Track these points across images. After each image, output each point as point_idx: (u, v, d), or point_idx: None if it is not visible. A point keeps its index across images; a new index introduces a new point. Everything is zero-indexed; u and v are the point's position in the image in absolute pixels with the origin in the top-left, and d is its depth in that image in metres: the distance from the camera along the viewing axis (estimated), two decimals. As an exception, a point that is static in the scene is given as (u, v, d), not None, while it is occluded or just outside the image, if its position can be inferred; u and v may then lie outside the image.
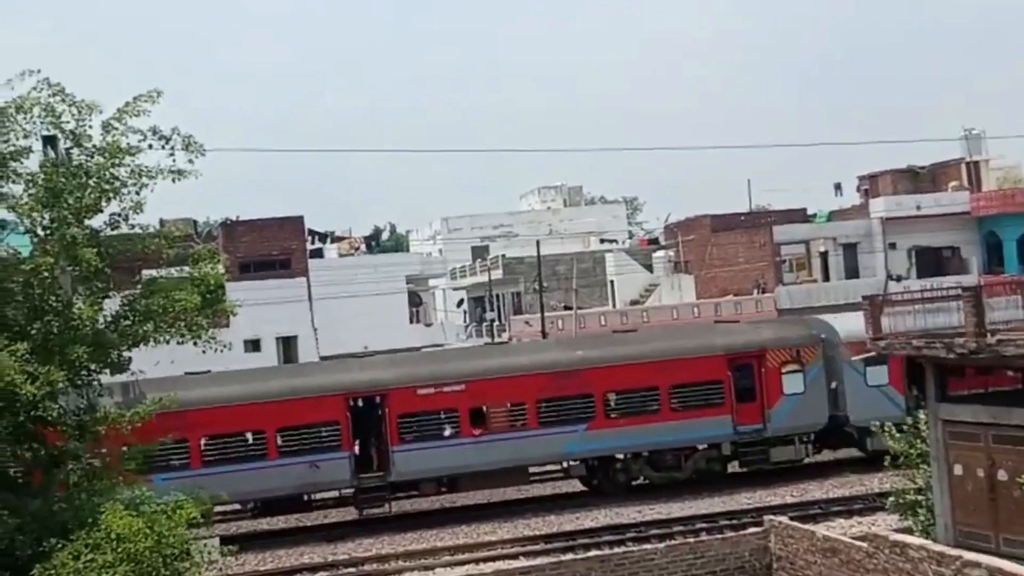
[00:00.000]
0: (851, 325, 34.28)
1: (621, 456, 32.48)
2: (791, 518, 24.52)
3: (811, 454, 33.73)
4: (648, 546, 25.02)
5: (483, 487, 32.58)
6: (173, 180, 17.48)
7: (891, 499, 23.81)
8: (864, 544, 20.34)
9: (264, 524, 32.19)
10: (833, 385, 33.13)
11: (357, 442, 30.81)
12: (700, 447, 32.82)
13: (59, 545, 15.76)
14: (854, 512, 28.30)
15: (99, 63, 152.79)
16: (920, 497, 22.58)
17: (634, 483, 32.80)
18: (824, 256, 56.22)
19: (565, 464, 33.41)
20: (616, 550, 25.11)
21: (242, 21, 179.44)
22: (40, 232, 17.33)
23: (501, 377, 31.37)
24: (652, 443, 32.15)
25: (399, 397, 30.50)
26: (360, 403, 30.91)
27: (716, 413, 32.21)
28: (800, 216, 60.95)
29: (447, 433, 30.91)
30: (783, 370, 32.81)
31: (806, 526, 23.22)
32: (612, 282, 65.94)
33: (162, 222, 47.75)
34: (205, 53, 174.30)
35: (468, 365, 32.02)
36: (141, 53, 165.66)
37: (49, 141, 18.32)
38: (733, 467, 33.78)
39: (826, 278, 55.95)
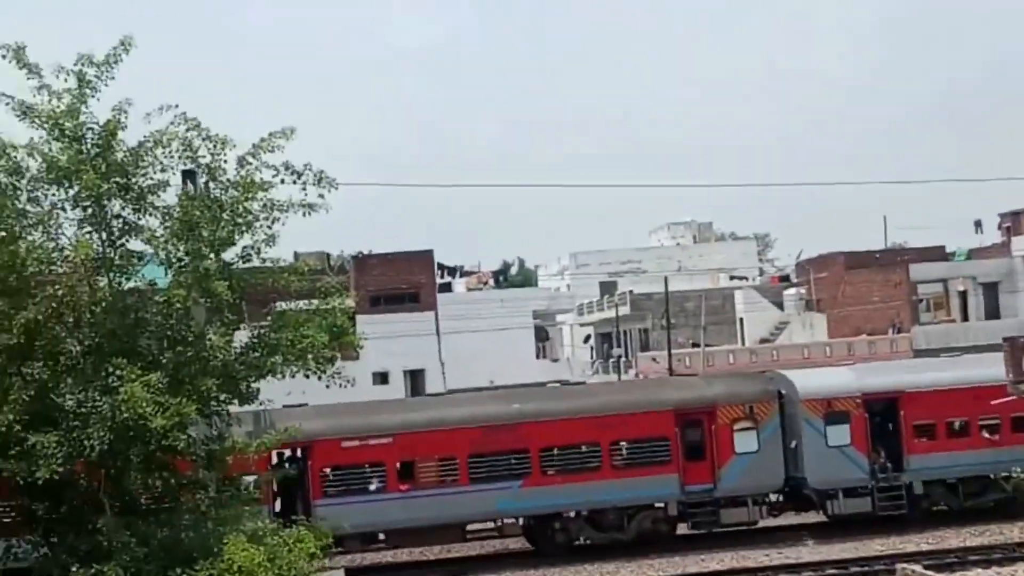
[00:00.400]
0: (815, 380, 32.62)
1: (561, 515, 30.70)
2: (925, 566, 23.75)
3: (764, 516, 31.74)
4: (776, 591, 24.42)
5: (413, 544, 31.32)
6: (304, 214, 17.76)
7: (1033, 550, 22.86)
8: (1004, 597, 19.52)
9: (389, 556, 32.26)
10: (793, 444, 31.29)
11: (279, 498, 29.31)
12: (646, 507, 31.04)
13: (183, 574, 16.00)
14: (992, 562, 27.16)
15: (238, 96, 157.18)
16: (1064, 549, 21.63)
17: (575, 544, 30.94)
18: (963, 295, 54.61)
19: (499, 522, 32.14)
20: (743, 594, 24.55)
21: (380, 54, 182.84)
22: (175, 263, 17.73)
23: (431, 430, 29.93)
24: (593, 502, 30.48)
25: (323, 450, 29.12)
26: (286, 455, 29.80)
27: (662, 471, 30.49)
28: (938, 254, 59.41)
29: (373, 487, 29.55)
30: (735, 427, 30.93)
31: (940, 575, 22.41)
32: (741, 320, 65.02)
33: (296, 255, 48.76)
34: (342, 85, 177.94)
35: (397, 418, 30.74)
36: (281, 86, 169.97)
37: (188, 175, 18.78)
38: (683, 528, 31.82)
39: (965, 318, 54.30)
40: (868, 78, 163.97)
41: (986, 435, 31.78)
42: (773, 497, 31.93)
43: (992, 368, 32.43)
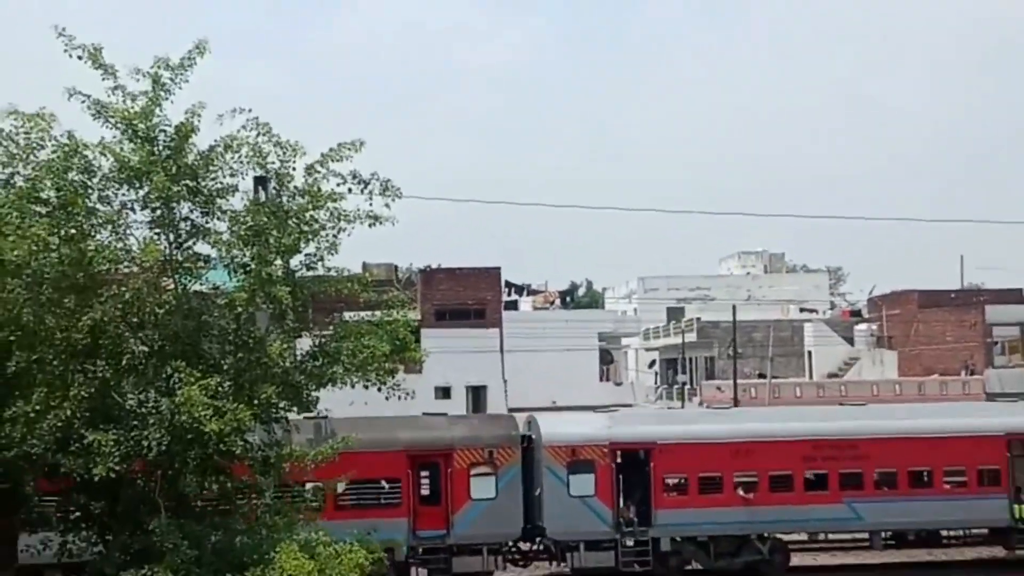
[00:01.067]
0: (562, 426, 31.21)
1: None
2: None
3: (501, 566, 30.48)
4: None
5: None
6: (370, 225, 17.66)
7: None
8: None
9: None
10: (537, 492, 30.20)
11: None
12: None
13: (235, 580, 15.96)
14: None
15: (310, 109, 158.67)
16: None
17: None
18: (1040, 340, 53.44)
19: None
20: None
21: (454, 72, 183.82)
22: (239, 269, 17.70)
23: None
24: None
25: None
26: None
27: (392, 515, 28.83)
28: (1016, 297, 58.22)
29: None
30: (472, 472, 29.71)
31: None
32: (810, 353, 64.11)
33: (364, 266, 48.88)
34: (417, 103, 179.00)
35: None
36: (358, 99, 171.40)
37: (260, 182, 18.78)
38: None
39: (1040, 363, 53.12)
40: (952, 114, 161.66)
41: (741, 492, 30.57)
42: (525, 546, 30.89)
43: (751, 423, 32.27)
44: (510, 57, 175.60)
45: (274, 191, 18.26)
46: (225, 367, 17.14)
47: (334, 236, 17.74)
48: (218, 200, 17.61)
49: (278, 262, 17.56)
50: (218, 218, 17.74)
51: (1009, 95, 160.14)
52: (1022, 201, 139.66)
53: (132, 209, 17.63)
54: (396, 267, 62.64)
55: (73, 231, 17.01)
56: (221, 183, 17.57)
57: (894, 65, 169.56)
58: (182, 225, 17.78)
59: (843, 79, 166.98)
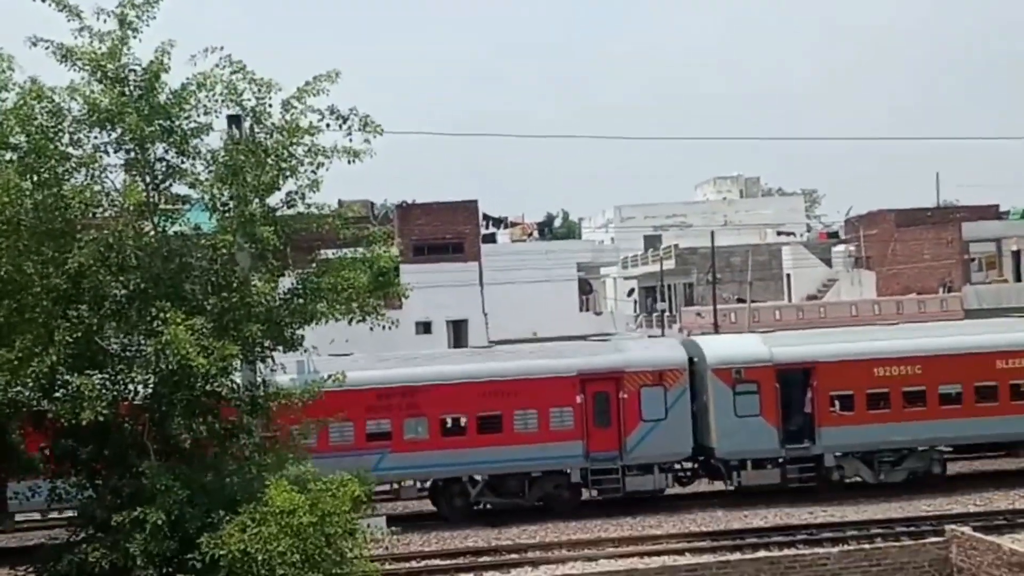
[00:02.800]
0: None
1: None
2: (974, 528, 23.32)
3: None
4: (820, 550, 24.18)
5: None
6: (349, 161, 17.48)
7: (1085, 514, 22.43)
8: (1055, 561, 19.15)
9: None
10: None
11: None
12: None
13: (227, 517, 15.98)
14: (1041, 525, 26.75)
15: (283, 45, 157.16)
16: (1118, 514, 21.19)
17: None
18: (1017, 255, 53.69)
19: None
20: (786, 552, 24.35)
21: (430, 10, 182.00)
22: (219, 208, 17.55)
23: None
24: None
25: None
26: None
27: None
28: (992, 213, 58.52)
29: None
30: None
31: (991, 538, 22.02)
32: (788, 276, 64.37)
33: (340, 203, 48.70)
34: (391, 38, 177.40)
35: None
36: (327, 35, 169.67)
37: (234, 120, 18.56)
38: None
39: (1018, 279, 53.43)
40: (927, 30, 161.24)
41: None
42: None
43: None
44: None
45: (248, 129, 18.04)
46: (208, 307, 17.06)
47: (313, 172, 17.58)
48: (193, 139, 17.40)
49: (257, 201, 17.40)
50: (194, 158, 17.54)
51: (984, 13, 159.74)
52: (996, 118, 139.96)
53: (106, 152, 17.43)
54: (372, 203, 62.40)
55: (46, 175, 16.82)
56: (196, 122, 17.35)
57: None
58: (158, 166, 17.60)
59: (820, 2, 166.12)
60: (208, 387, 16.67)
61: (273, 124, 17.69)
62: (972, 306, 50.08)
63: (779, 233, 72.51)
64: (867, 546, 24.13)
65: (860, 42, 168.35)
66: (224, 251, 17.48)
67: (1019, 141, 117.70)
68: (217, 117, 17.62)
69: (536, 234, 69.67)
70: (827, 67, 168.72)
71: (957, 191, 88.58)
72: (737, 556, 24.39)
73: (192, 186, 17.60)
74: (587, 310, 58.02)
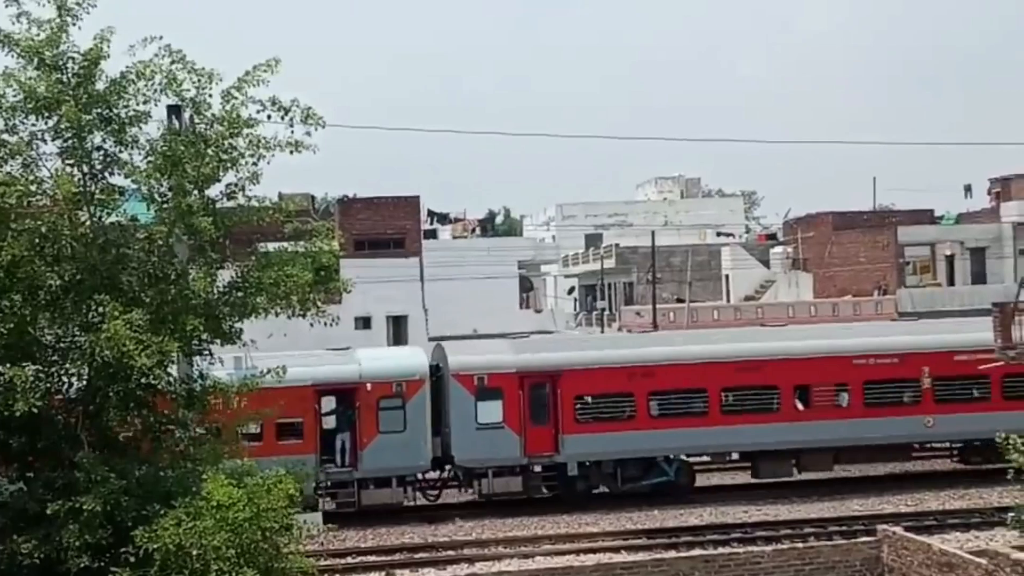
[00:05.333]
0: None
1: None
2: (905, 529, 23.66)
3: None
4: (754, 548, 24.45)
5: None
6: (291, 152, 17.31)
7: (1012, 515, 22.84)
8: (983, 561, 19.49)
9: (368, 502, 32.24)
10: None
11: None
12: None
13: (161, 511, 15.81)
14: (971, 526, 27.24)
15: (224, 37, 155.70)
16: (1044, 515, 21.60)
17: None
18: (950, 260, 54.58)
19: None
20: (721, 550, 24.59)
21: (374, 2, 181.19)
22: (157, 199, 17.34)
23: None
24: None
25: None
26: None
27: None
28: (927, 217, 59.44)
29: None
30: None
31: (921, 538, 22.36)
32: (727, 276, 64.93)
33: (281, 195, 48.23)
34: (336, 30, 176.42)
35: None
36: (269, 29, 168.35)
37: (174, 110, 18.33)
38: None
39: (951, 282, 54.30)
40: (866, 39, 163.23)
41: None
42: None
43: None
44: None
45: (188, 119, 17.84)
46: (146, 300, 16.84)
47: (254, 164, 17.39)
48: (132, 128, 17.15)
49: (196, 192, 17.20)
50: (132, 147, 17.30)
51: (921, 19, 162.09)
52: (932, 124, 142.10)
53: (43, 140, 17.14)
54: (313, 197, 61.97)
55: (-22, 163, 16.51)
56: (135, 111, 17.11)
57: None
58: (95, 155, 17.32)
59: (759, 4, 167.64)
60: (144, 380, 16.47)
61: (213, 115, 17.49)
62: (906, 309, 50.80)
63: (719, 234, 73.12)
64: (800, 545, 24.41)
65: (804, 47, 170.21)
66: (161, 243, 17.27)
67: (953, 147, 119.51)
68: (156, 106, 17.40)
69: (478, 231, 69.61)
70: (770, 70, 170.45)
71: (893, 195, 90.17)
72: (672, 554, 24.57)
73: (130, 176, 17.34)
74: (528, 308, 58.09)
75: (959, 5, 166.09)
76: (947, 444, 34.33)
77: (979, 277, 53.99)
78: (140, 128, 17.22)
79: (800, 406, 31.88)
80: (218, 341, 17.83)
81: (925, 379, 31.79)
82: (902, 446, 33.01)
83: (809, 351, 31.90)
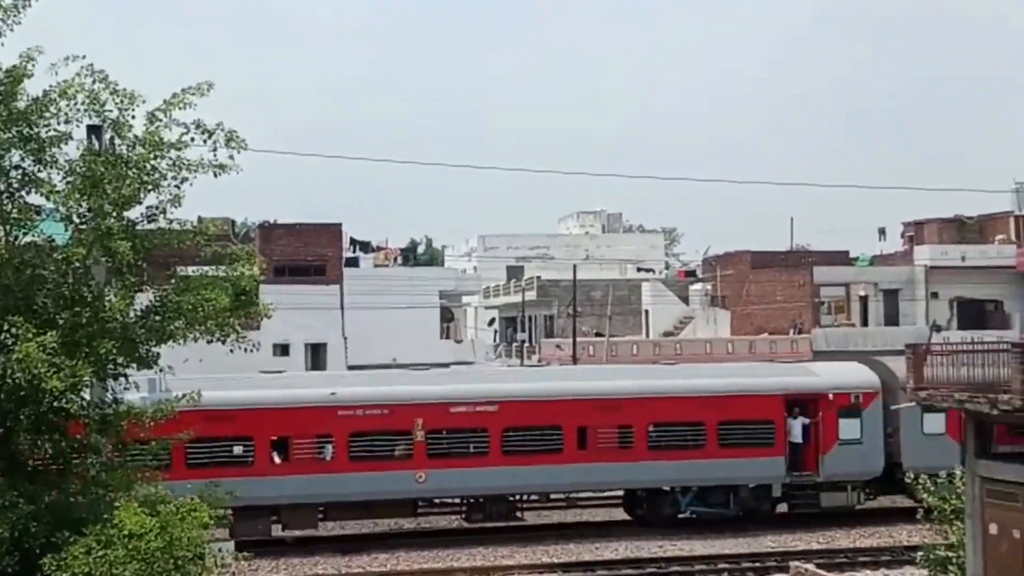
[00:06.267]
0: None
1: None
2: (817, 566, 23.95)
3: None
4: (669, 583, 24.54)
5: None
6: (215, 175, 17.10)
7: (921, 553, 23.22)
8: (892, 599, 19.77)
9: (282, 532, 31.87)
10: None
11: None
12: None
13: (71, 538, 15.45)
14: (881, 564, 27.70)
15: (139, 56, 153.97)
16: (951, 554, 21.97)
17: None
18: (864, 300, 55.56)
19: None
20: (636, 584, 24.63)
21: (295, 30, 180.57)
22: (76, 220, 17.02)
23: None
24: None
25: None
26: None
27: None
28: (842, 259, 60.43)
29: None
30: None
31: (832, 575, 22.64)
32: (647, 312, 65.41)
33: (200, 219, 47.69)
34: (259, 60, 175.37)
35: None
36: (190, 52, 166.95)
37: (94, 130, 18.05)
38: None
39: (865, 323, 55.27)
40: (787, 83, 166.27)
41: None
42: None
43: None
44: (356, 15, 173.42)
45: (109, 140, 17.57)
46: (60, 322, 16.49)
47: (176, 187, 17.17)
48: (52, 148, 16.84)
49: (116, 214, 16.91)
50: (52, 167, 16.98)
51: (843, 66, 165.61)
52: (848, 168, 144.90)
53: (-41, 157, 16.76)
54: (233, 221, 61.34)
55: None
56: (55, 131, 16.81)
57: (739, 31, 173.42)
58: (13, 174, 16.98)
59: (692, 44, 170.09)
60: (56, 404, 16.12)
61: (136, 136, 17.24)
62: (820, 347, 51.56)
63: (639, 269, 73.68)
64: (714, 581, 24.57)
65: (726, 87, 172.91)
66: (78, 264, 16.95)
67: (869, 191, 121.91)
68: (78, 126, 17.12)
69: (399, 260, 69.39)
70: (692, 109, 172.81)
71: (809, 236, 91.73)
72: (588, 587, 24.60)
73: (48, 196, 17.02)
74: (448, 338, 57.98)
75: (879, 57, 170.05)
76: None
77: (892, 319, 55.03)
78: (60, 148, 16.94)
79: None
80: (134, 365, 17.51)
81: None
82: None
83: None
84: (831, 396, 32.40)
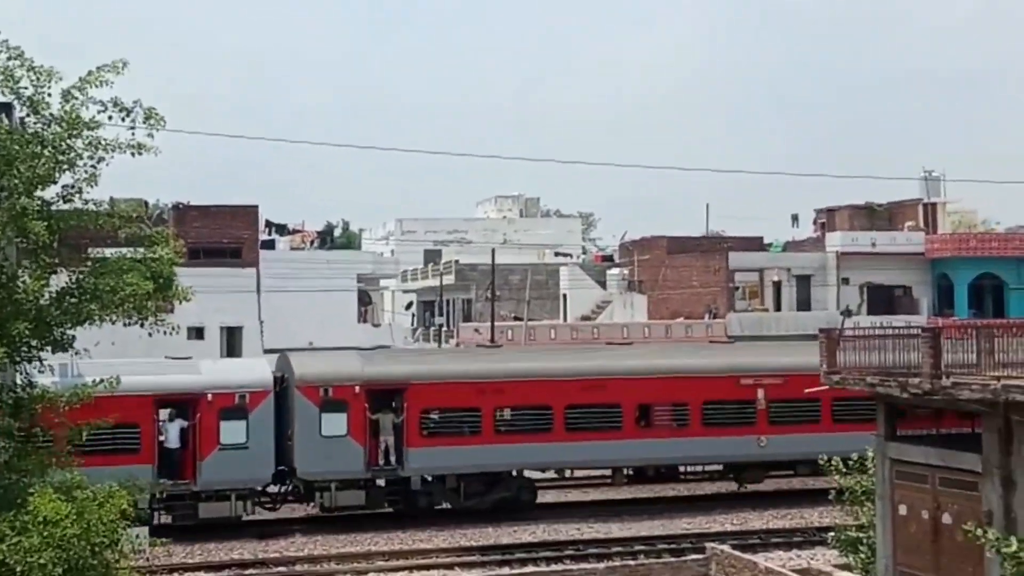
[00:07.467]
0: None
1: None
2: (732, 547, 24.31)
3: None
4: (587, 565, 24.76)
5: None
6: (133, 154, 16.82)
7: (832, 534, 23.68)
8: (806, 579, 20.17)
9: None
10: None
11: None
12: None
13: (-18, 524, 15.15)
14: (793, 544, 28.22)
15: (62, 31, 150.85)
16: (862, 534, 22.46)
17: None
18: (777, 286, 56.37)
19: None
20: (554, 567, 24.83)
21: (217, 4, 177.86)
22: (-13, 200, 16.64)
23: None
24: None
25: None
26: None
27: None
28: (756, 244, 61.21)
29: None
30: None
31: (747, 556, 23.02)
32: (565, 296, 65.71)
33: (113, 201, 46.90)
34: (180, 35, 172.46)
35: None
36: (106, 27, 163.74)
37: (3, 108, 17.67)
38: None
39: (778, 308, 56.11)
40: (703, 66, 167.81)
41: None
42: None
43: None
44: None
45: (21, 119, 17.19)
46: (-29, 304, 16.14)
47: (93, 166, 16.85)
48: (-37, 126, 16.44)
49: (29, 194, 16.55)
50: (-38, 145, 16.56)
51: (758, 49, 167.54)
52: (762, 153, 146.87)
53: None
54: (147, 203, 60.24)
55: None
56: (-32, 107, 16.42)
57: (653, 18, 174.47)
58: (-79, 151, 16.54)
59: (596, 31, 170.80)
60: (-33, 387, 15.79)
61: (51, 114, 16.89)
62: (735, 332, 52.26)
63: (557, 254, 73.95)
64: (631, 562, 24.91)
65: (643, 71, 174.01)
66: (-10, 244, 16.58)
67: (782, 177, 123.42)
68: (-9, 103, 16.75)
69: (316, 243, 68.85)
70: (608, 93, 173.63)
71: (724, 222, 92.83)
72: (506, 571, 24.82)
73: (-41, 174, 16.61)
74: (366, 322, 57.68)
75: (795, 44, 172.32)
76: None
77: (804, 304, 55.92)
78: (-27, 126, 16.54)
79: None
80: (48, 348, 17.20)
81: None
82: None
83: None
84: (210, 396, 29.52)
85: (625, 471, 33.69)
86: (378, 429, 30.79)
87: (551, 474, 34.75)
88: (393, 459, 30.79)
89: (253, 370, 31.33)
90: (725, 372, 33.11)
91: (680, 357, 34.63)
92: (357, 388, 30.49)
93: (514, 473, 32.01)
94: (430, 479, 31.56)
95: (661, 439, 32.24)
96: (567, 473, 35.43)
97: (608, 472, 34.28)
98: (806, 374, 31.73)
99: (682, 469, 34.76)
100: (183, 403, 29.96)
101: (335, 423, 30.06)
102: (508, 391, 31.46)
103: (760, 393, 32.83)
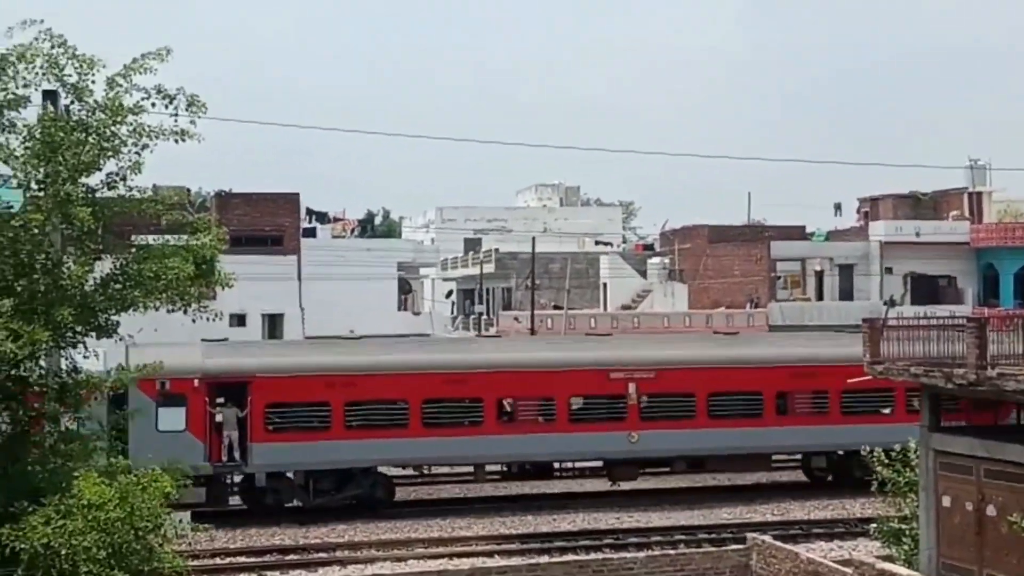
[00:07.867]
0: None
1: None
2: (773, 537, 24.15)
3: None
4: (627, 554, 24.64)
5: None
6: (176, 141, 16.96)
7: (875, 526, 23.47)
8: (848, 570, 19.98)
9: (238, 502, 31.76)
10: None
11: None
12: None
13: (30, 508, 15.32)
14: (835, 536, 28.00)
15: (95, 20, 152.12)
16: (904, 526, 22.24)
17: None
18: (820, 275, 55.98)
19: None
20: (594, 556, 24.75)
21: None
22: (34, 187, 16.81)
23: None
24: None
25: None
26: None
27: None
28: (798, 233, 60.76)
29: None
30: None
31: (789, 547, 22.84)
32: (605, 285, 65.56)
33: (155, 188, 47.34)
34: (209, 21, 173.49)
35: None
36: (136, 16, 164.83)
37: (49, 95, 17.83)
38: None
39: (820, 297, 55.72)
40: (747, 55, 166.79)
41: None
42: None
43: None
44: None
45: (66, 107, 17.34)
46: (19, 289, 16.30)
47: (137, 153, 16.98)
48: (9, 112, 16.61)
49: (74, 181, 16.70)
50: (10, 132, 16.74)
51: (799, 39, 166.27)
52: (805, 142, 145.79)
53: (-86, 120, 16.49)
54: (189, 190, 60.67)
55: None
56: (13, 94, 16.57)
57: (697, 5, 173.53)
58: (-31, 138, 16.74)
59: (646, 19, 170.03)
60: (14, 372, 15.95)
61: (95, 101, 17.02)
62: (776, 322, 51.95)
63: (597, 242, 73.78)
64: (672, 552, 24.74)
65: (686, 60, 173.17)
66: (36, 231, 16.74)
67: (825, 166, 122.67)
68: (37, 90, 16.92)
69: (357, 231, 69.11)
70: (649, 82, 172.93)
71: (766, 211, 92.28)
72: (546, 559, 24.69)
73: (6, 162, 16.79)
74: (405, 310, 57.85)
75: (838, 28, 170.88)
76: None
77: (847, 293, 55.49)
78: (19, 112, 16.71)
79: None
80: (93, 334, 17.35)
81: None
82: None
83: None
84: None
85: (487, 468, 32.74)
86: (221, 424, 29.86)
87: (411, 471, 33.83)
88: (237, 455, 29.79)
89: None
90: (594, 365, 31.98)
91: (545, 350, 33.53)
92: (196, 381, 29.41)
93: (368, 470, 30.91)
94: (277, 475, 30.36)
95: (525, 435, 31.25)
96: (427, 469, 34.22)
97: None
98: (679, 368, 31.81)
99: (557, 466, 33.89)
100: None
101: (172, 418, 29.08)
102: (360, 385, 30.29)
103: (631, 387, 31.84)
